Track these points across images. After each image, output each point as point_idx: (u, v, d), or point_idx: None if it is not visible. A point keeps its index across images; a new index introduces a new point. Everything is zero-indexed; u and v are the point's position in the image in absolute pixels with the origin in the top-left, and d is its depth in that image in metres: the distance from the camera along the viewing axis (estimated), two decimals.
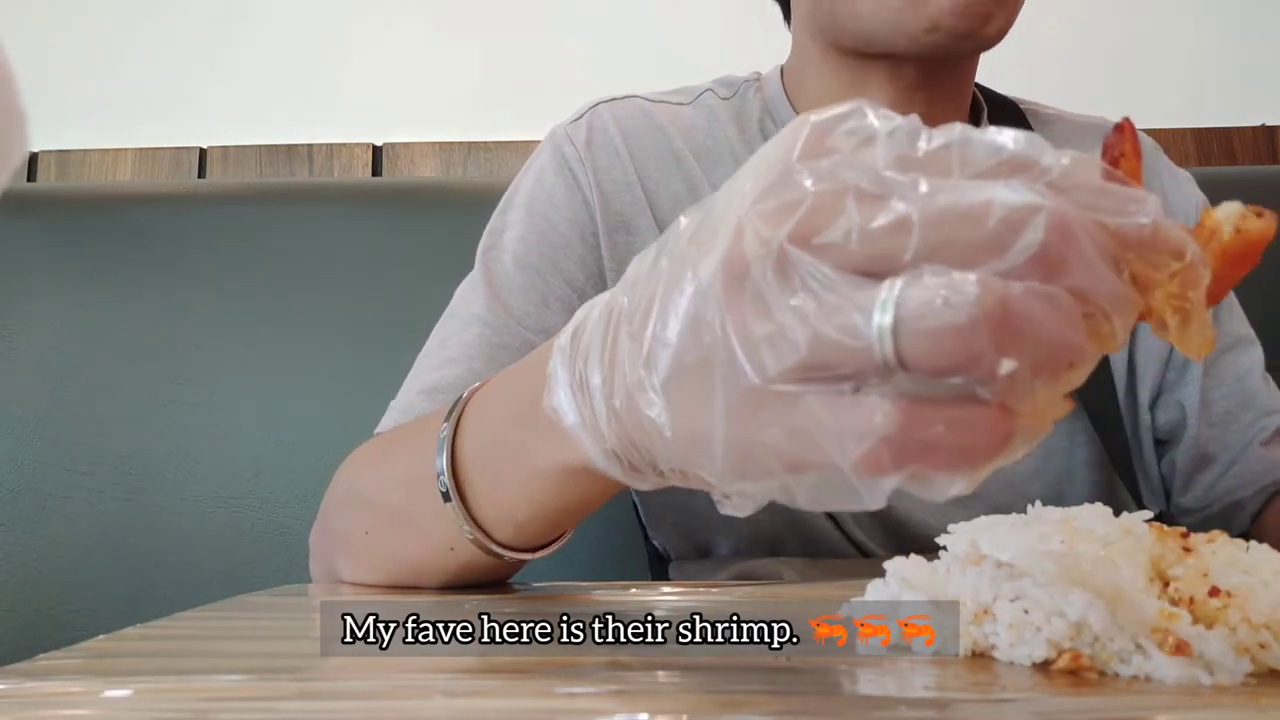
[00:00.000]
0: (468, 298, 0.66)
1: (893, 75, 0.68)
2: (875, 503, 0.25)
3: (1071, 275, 0.23)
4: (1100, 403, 0.70)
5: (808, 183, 0.25)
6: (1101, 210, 0.24)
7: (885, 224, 0.23)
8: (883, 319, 0.23)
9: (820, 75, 0.71)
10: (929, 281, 0.23)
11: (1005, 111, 0.76)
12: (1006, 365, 0.22)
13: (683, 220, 0.29)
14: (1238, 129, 1.28)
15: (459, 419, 0.45)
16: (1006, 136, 0.25)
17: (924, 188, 0.24)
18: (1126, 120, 0.27)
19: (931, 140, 0.25)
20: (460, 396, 0.46)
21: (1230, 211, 0.26)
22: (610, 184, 0.69)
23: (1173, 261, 0.25)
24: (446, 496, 0.44)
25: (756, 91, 0.75)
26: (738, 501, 0.30)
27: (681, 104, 0.74)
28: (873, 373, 0.23)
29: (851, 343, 0.23)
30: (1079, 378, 0.24)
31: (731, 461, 0.27)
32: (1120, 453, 0.70)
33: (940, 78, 0.68)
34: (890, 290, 0.23)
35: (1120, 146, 0.27)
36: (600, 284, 0.68)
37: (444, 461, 0.44)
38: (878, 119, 0.26)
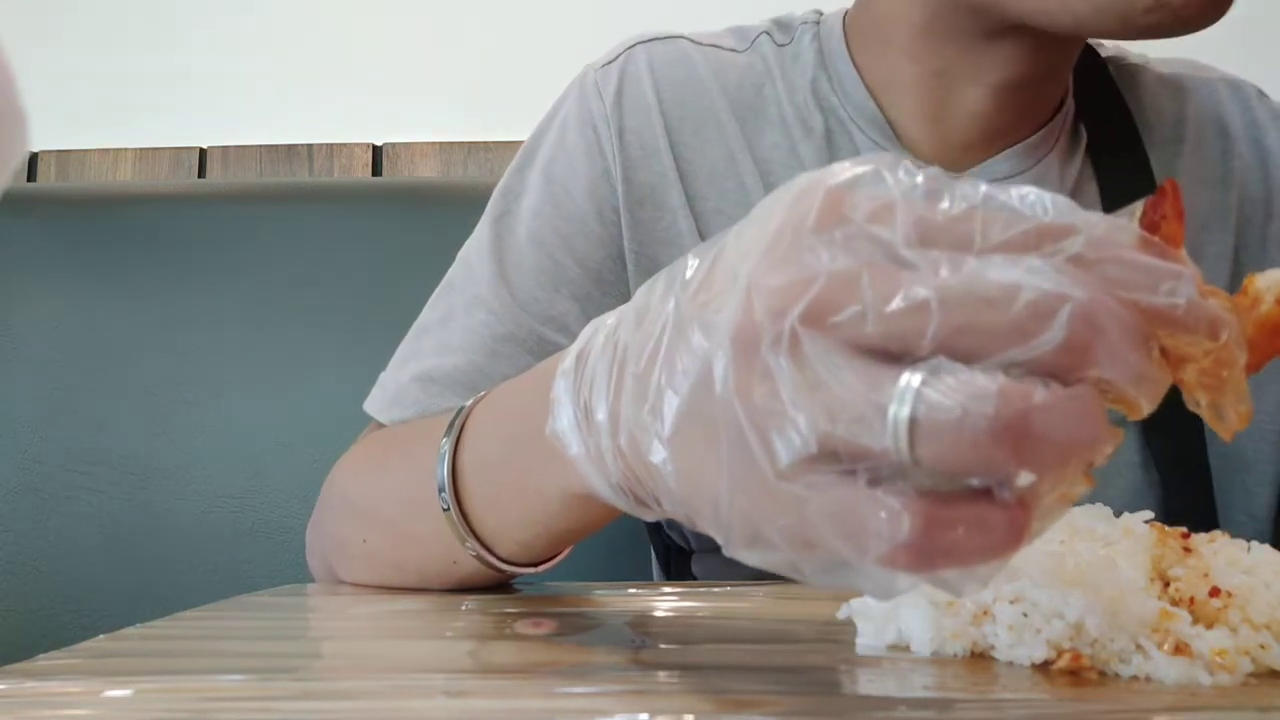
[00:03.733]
0: (473, 270, 0.62)
1: (1012, 57, 0.57)
2: (885, 596, 0.24)
3: (1096, 366, 0.22)
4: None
5: (822, 257, 0.24)
6: (1132, 286, 0.23)
7: (903, 307, 0.22)
8: (899, 419, 0.22)
9: (910, 49, 0.59)
10: (948, 384, 0.22)
11: (1088, 69, 0.65)
12: (1025, 478, 0.22)
13: (691, 261, 0.28)
14: None
15: (459, 433, 0.44)
16: (1032, 200, 0.24)
17: (944, 270, 0.23)
18: (1170, 181, 0.26)
19: (954, 202, 0.24)
20: (462, 408, 0.45)
21: (1272, 280, 0.25)
22: (637, 149, 0.62)
23: (1206, 343, 0.24)
24: (445, 507, 0.44)
25: (814, 39, 0.64)
26: None
27: (735, 50, 0.65)
28: (886, 465, 0.23)
29: (865, 441, 0.22)
30: (1100, 463, 0.23)
31: (737, 534, 0.26)
32: (1181, 458, 0.61)
33: (1061, 55, 0.60)
34: (907, 387, 0.22)
35: (1161, 209, 0.26)
36: (619, 265, 0.62)
37: (445, 477, 0.44)
38: (895, 181, 0.25)
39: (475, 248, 0.64)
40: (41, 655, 0.33)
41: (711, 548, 0.69)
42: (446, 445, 0.44)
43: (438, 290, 0.64)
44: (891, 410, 0.22)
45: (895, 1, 0.60)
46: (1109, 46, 0.69)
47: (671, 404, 0.27)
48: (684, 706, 0.27)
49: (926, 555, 0.23)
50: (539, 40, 1.33)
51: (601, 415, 0.31)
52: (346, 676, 0.32)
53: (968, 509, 0.22)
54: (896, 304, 0.22)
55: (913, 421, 0.22)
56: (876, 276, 0.23)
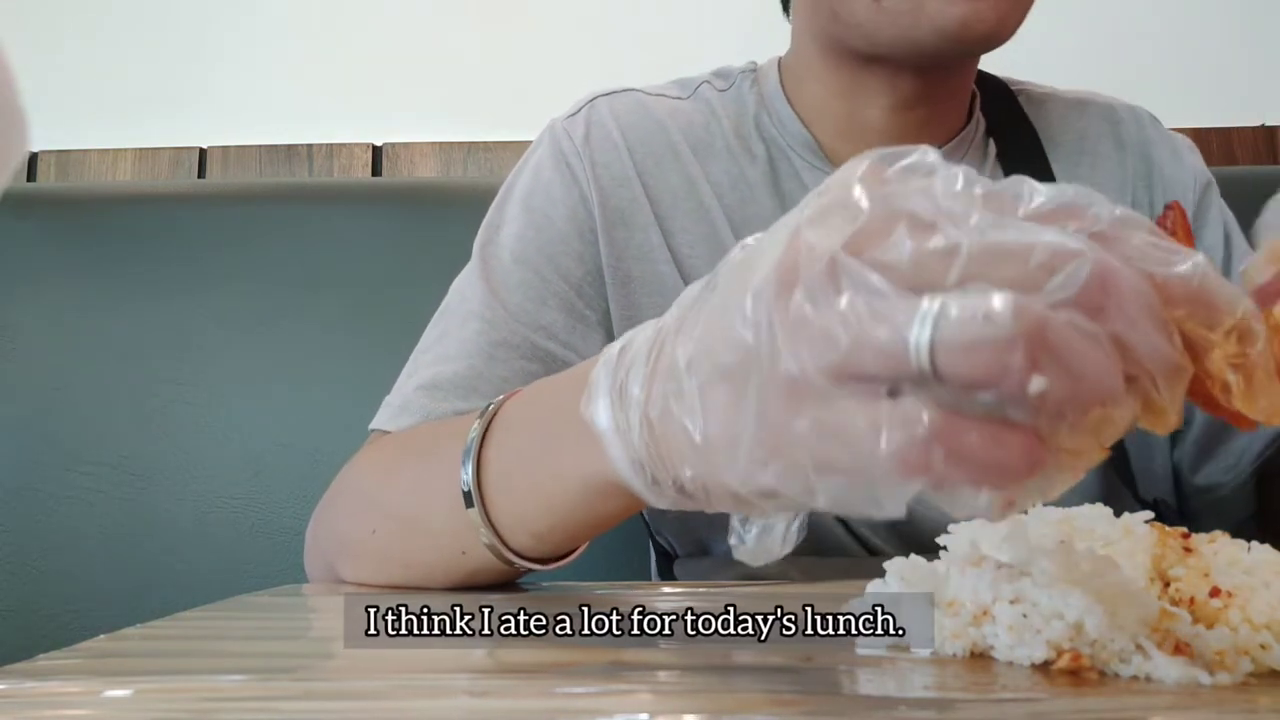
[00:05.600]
0: (464, 293, 0.66)
1: (892, 83, 0.67)
2: (895, 510, 0.25)
3: (1110, 321, 0.24)
4: None
5: (864, 203, 0.26)
6: (1150, 261, 0.25)
7: (934, 248, 0.24)
8: (922, 329, 0.23)
9: (818, 77, 0.70)
10: (970, 296, 0.23)
11: (997, 95, 0.75)
12: (1037, 383, 0.23)
13: (735, 251, 0.30)
14: (1238, 129, 1.28)
15: (490, 422, 0.45)
16: (1059, 187, 0.26)
17: (974, 220, 0.25)
18: (1176, 204, 0.28)
19: (983, 185, 0.26)
20: (493, 401, 0.46)
21: None
22: (609, 179, 0.69)
23: (1225, 318, 0.25)
24: (469, 500, 0.44)
25: (753, 84, 0.74)
26: (756, 538, 0.31)
27: (679, 98, 0.73)
28: (908, 381, 0.24)
29: (891, 349, 0.24)
30: (1114, 428, 0.24)
31: (758, 455, 0.27)
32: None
33: (942, 83, 0.68)
34: (932, 303, 0.24)
35: (1168, 226, 0.27)
36: (599, 280, 0.67)
37: (470, 463, 0.44)
38: (936, 160, 0.27)
39: (464, 277, 0.68)
40: (41, 655, 0.33)
41: (695, 553, 0.72)
42: (476, 431, 0.45)
43: (433, 319, 0.67)
44: (917, 323, 0.24)
45: (800, 37, 0.72)
46: (1018, 80, 0.78)
47: (709, 351, 0.28)
48: (684, 706, 0.27)
49: (938, 455, 0.24)
50: (538, 41, 1.33)
51: (636, 390, 0.32)
52: (347, 676, 0.32)
53: (984, 422, 0.24)
54: (932, 243, 0.25)
55: (935, 330, 0.23)
56: (913, 223, 0.25)
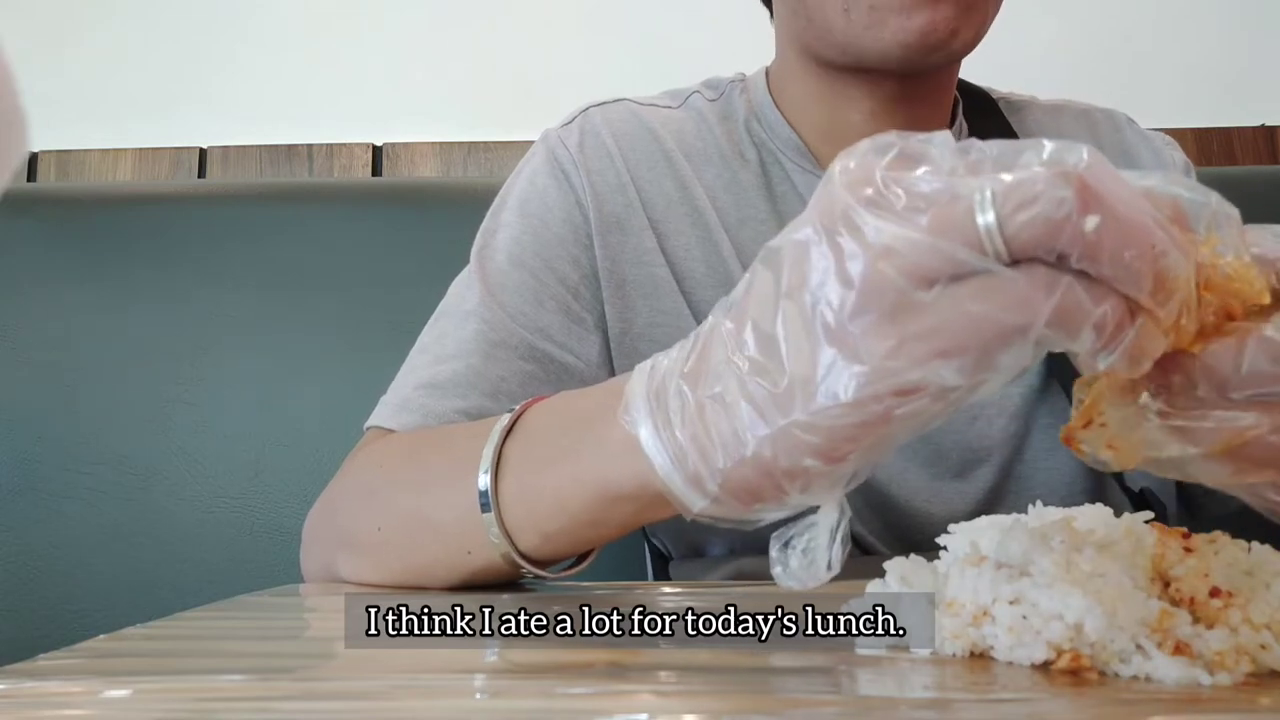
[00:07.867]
0: (462, 295, 0.67)
1: (871, 88, 0.68)
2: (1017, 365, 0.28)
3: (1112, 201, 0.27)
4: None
5: (892, 141, 0.29)
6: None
7: (965, 162, 0.28)
8: (985, 208, 0.27)
9: (800, 81, 0.71)
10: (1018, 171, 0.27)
11: (979, 103, 0.77)
12: (1092, 220, 0.26)
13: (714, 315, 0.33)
14: (1238, 129, 1.28)
15: (511, 426, 0.46)
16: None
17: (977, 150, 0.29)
18: None
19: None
20: (514, 407, 0.47)
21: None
22: (603, 185, 0.70)
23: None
24: (484, 499, 0.44)
25: (742, 93, 0.75)
26: (800, 563, 0.32)
27: (670, 107, 0.75)
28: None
29: (965, 229, 0.27)
30: (1177, 288, 0.27)
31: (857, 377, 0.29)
32: None
33: (919, 88, 0.69)
34: (981, 191, 0.27)
35: None
36: (594, 283, 0.68)
37: (490, 461, 0.45)
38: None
39: (462, 280, 0.68)
40: (41, 655, 0.33)
41: (689, 555, 0.72)
42: (499, 433, 0.45)
43: (430, 320, 0.67)
44: (978, 195, 0.27)
45: (781, 43, 0.73)
46: (999, 90, 0.80)
47: (758, 285, 0.31)
48: (684, 706, 0.27)
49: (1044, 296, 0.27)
50: (539, 41, 1.33)
51: (675, 390, 0.34)
52: (347, 676, 0.32)
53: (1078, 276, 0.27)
54: (960, 161, 0.28)
55: (996, 201, 0.26)
56: (939, 153, 0.29)
